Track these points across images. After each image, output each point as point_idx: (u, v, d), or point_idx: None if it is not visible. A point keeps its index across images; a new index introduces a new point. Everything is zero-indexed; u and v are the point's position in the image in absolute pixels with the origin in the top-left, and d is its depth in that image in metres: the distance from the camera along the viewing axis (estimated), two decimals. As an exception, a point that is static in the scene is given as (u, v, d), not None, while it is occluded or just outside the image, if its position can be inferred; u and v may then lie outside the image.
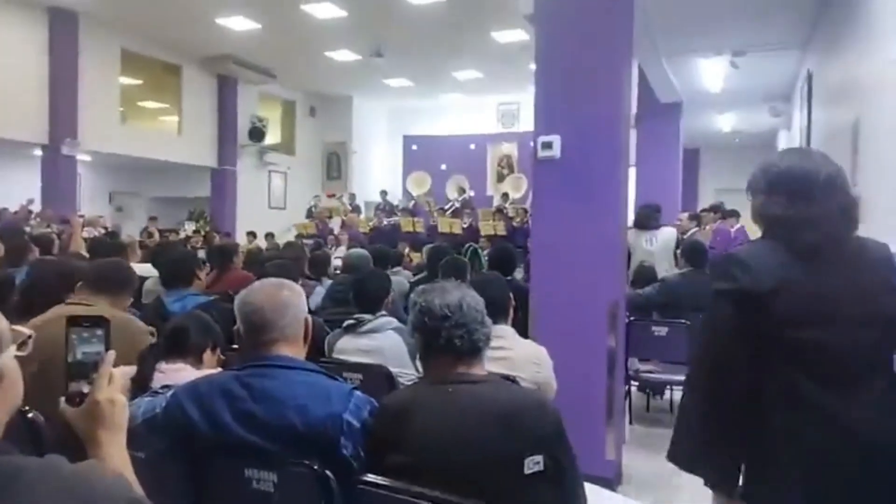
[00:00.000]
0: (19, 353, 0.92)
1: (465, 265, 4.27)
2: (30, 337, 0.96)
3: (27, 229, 8.15)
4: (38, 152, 10.43)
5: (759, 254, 1.46)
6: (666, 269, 5.57)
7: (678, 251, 5.59)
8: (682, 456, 1.51)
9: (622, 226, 3.57)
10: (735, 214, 8.68)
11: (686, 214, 6.99)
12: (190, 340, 2.00)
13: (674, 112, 8.26)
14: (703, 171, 14.69)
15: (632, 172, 5.81)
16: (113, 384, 1.08)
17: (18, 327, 0.95)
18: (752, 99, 8.22)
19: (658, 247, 5.77)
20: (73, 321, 1.10)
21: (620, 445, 3.59)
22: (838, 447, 1.37)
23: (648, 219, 5.78)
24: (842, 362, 1.40)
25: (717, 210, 7.96)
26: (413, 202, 12.22)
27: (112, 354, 1.09)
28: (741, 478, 1.47)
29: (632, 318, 4.34)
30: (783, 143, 9.07)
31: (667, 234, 5.84)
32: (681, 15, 5.13)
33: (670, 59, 6.31)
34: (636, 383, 4.63)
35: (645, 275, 5.06)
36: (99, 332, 1.10)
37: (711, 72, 6.64)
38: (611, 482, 3.10)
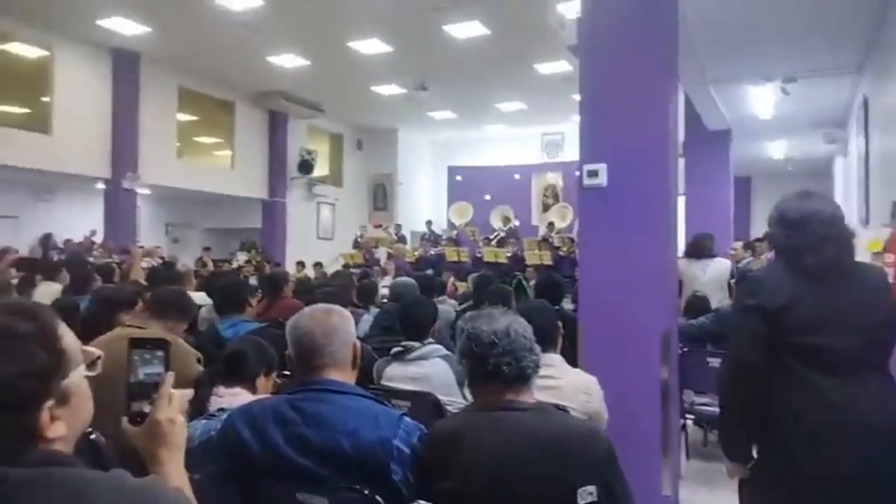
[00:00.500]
0: (89, 374, 0.96)
1: (510, 293, 4.27)
2: (99, 357, 1.00)
3: (90, 259, 8.54)
4: (101, 186, 10.95)
5: (773, 276, 1.92)
6: (719, 299, 5.41)
7: (732, 281, 5.43)
8: (722, 444, 2.03)
9: (672, 254, 3.50)
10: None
11: (741, 244, 6.79)
12: (248, 364, 2.04)
13: (723, 140, 8.10)
14: (755, 200, 14.32)
15: (680, 201, 5.70)
16: (173, 405, 1.11)
17: (88, 348, 0.99)
18: (804, 125, 7.99)
19: (710, 277, 5.61)
20: (136, 343, 1.14)
21: (677, 481, 3.46)
22: (833, 427, 1.76)
23: (702, 248, 5.60)
24: (837, 361, 1.79)
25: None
26: (455, 231, 12.27)
27: (172, 375, 1.12)
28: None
29: (685, 349, 4.22)
30: (840, 170, 8.77)
31: (720, 265, 5.68)
32: (728, 41, 5.07)
33: (718, 86, 6.22)
34: (692, 417, 4.48)
35: (697, 305, 4.92)
36: (160, 353, 1.13)
37: (761, 98, 6.51)
38: (665, 519, 2.99)
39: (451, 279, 8.56)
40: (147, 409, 1.10)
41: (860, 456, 1.74)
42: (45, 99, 9.95)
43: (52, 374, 0.84)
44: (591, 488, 1.39)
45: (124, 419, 1.11)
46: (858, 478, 1.74)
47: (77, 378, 0.91)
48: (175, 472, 1.09)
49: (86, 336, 2.40)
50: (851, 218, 6.28)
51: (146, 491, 0.84)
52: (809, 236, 1.84)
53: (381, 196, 16.31)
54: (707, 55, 5.37)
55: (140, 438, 1.09)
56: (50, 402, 0.84)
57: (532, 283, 6.60)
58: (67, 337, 0.89)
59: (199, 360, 2.38)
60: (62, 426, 0.86)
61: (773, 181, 13.54)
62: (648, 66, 3.44)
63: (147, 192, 12.44)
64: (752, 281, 1.98)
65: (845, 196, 7.64)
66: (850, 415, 1.76)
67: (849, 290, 1.85)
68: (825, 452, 1.76)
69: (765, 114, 7.01)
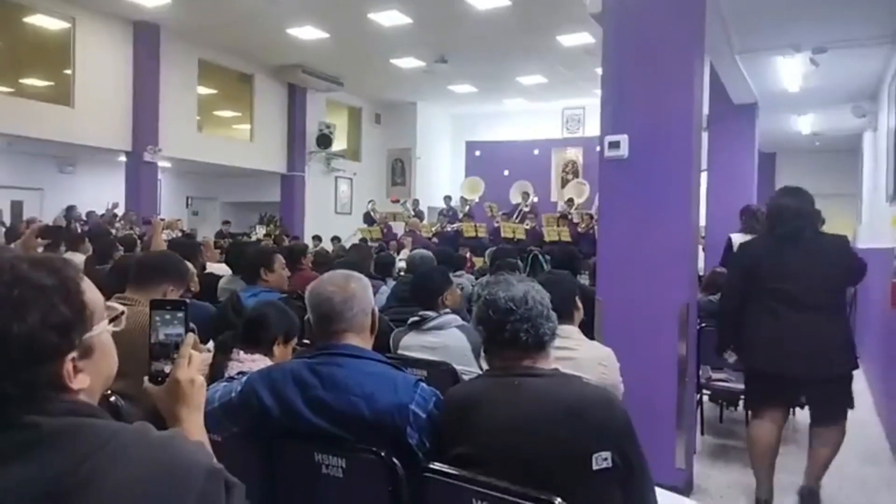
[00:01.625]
0: (113, 329, 0.98)
1: (518, 267, 4.37)
2: (122, 313, 1.01)
3: (112, 231, 8.67)
4: (123, 159, 11.07)
5: (757, 243, 3.18)
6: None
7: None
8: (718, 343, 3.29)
9: (694, 227, 3.46)
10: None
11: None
12: (269, 326, 2.06)
13: (748, 113, 7.89)
14: (780, 176, 14.01)
15: (703, 177, 5.56)
16: (192, 365, 1.13)
17: (111, 303, 1.00)
18: (834, 99, 7.75)
19: None
20: (157, 304, 1.16)
21: (691, 455, 3.46)
22: (788, 335, 2.84)
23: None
24: (797, 300, 2.85)
25: None
26: (468, 207, 12.20)
27: (192, 336, 1.14)
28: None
29: (704, 325, 4.18)
30: (869, 144, 8.53)
31: None
32: (756, 10, 4.91)
33: (745, 57, 6.03)
34: (708, 392, 4.46)
35: (718, 282, 4.86)
36: (180, 314, 1.15)
37: (789, 70, 6.30)
38: (680, 492, 2.99)
39: (469, 254, 8.56)
40: (167, 368, 1.12)
41: (803, 362, 2.81)
42: (67, 72, 10.03)
43: (75, 327, 0.86)
44: (606, 454, 1.39)
45: (145, 378, 1.13)
46: (800, 376, 2.86)
47: (100, 332, 0.92)
48: (195, 430, 1.11)
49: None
50: (879, 195, 6.12)
51: (168, 442, 0.86)
52: (783, 216, 2.99)
53: (399, 171, 16.27)
54: (735, 24, 5.21)
55: (160, 397, 1.11)
56: (73, 354, 0.86)
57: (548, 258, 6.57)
58: (90, 292, 0.90)
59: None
60: (86, 378, 0.88)
61: (800, 157, 13.25)
62: (674, 35, 3.36)
63: (167, 165, 12.55)
64: (740, 248, 3.30)
65: (873, 172, 7.45)
66: (800, 333, 2.82)
67: (807, 251, 2.90)
68: (777, 358, 2.87)
69: (793, 86, 6.79)
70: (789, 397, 3.10)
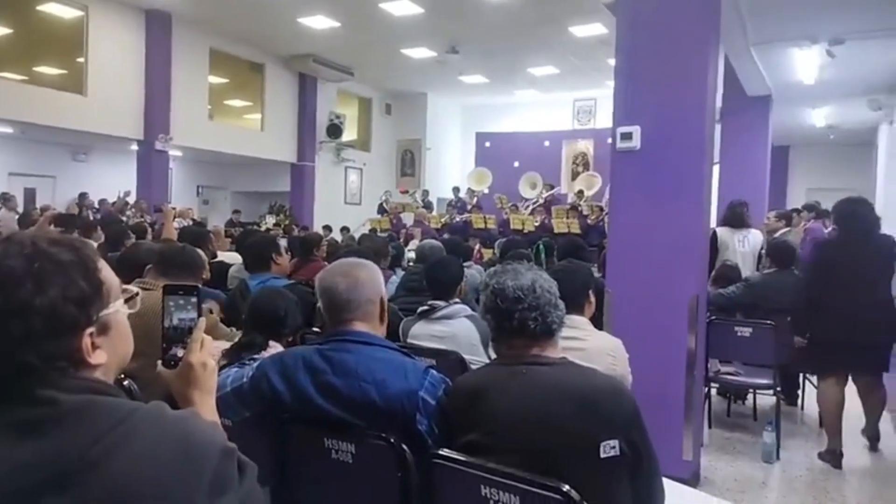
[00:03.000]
0: (128, 310, 0.99)
1: (528, 257, 4.38)
2: (137, 294, 1.02)
3: (123, 219, 8.73)
4: (134, 147, 11.12)
5: (831, 242, 4.20)
6: (751, 270, 5.29)
7: (762, 251, 5.30)
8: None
9: (705, 220, 3.44)
10: (828, 214, 8.20)
11: (774, 214, 6.61)
12: (286, 326, 2.07)
13: (762, 106, 7.82)
14: (792, 170, 13.89)
15: (715, 170, 5.54)
16: (205, 349, 1.14)
17: (126, 286, 1.02)
18: (850, 91, 7.66)
19: (749, 248, 5.45)
20: (170, 289, 1.17)
21: (699, 447, 3.46)
22: (859, 313, 3.58)
23: (742, 217, 5.33)
24: (862, 286, 3.65)
25: (813, 209, 7.53)
26: (476, 198, 12.18)
27: (203, 321, 1.15)
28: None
29: (713, 318, 4.17)
30: (885, 138, 8.42)
31: (757, 236, 5.52)
32: (773, 0, 4.86)
33: (760, 48, 5.96)
34: (716, 386, 4.45)
35: (728, 274, 4.84)
36: (193, 299, 1.16)
37: (805, 62, 6.23)
38: (687, 483, 2.99)
39: (478, 245, 8.55)
40: (181, 353, 1.13)
41: (856, 332, 3.60)
42: (79, 60, 10.07)
43: (92, 302, 0.87)
44: (614, 442, 1.39)
45: (159, 362, 1.14)
46: (852, 343, 3.62)
47: (115, 311, 0.93)
48: (207, 413, 1.12)
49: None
50: (894, 189, 6.06)
51: (182, 421, 0.87)
52: (855, 219, 3.78)
53: (408, 161, 16.26)
54: (750, 14, 5.15)
55: (174, 381, 1.12)
56: (91, 330, 0.87)
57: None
58: (106, 270, 0.92)
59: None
60: (102, 354, 0.89)
61: (813, 150, 13.13)
62: (689, 26, 3.33)
63: (179, 153, 12.60)
64: (819, 248, 4.11)
65: (888, 166, 7.37)
66: (863, 312, 3.61)
67: (866, 247, 3.70)
68: (839, 328, 3.64)
69: (808, 78, 6.73)
70: (849, 360, 3.78)
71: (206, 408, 1.13)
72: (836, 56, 5.81)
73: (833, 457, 3.71)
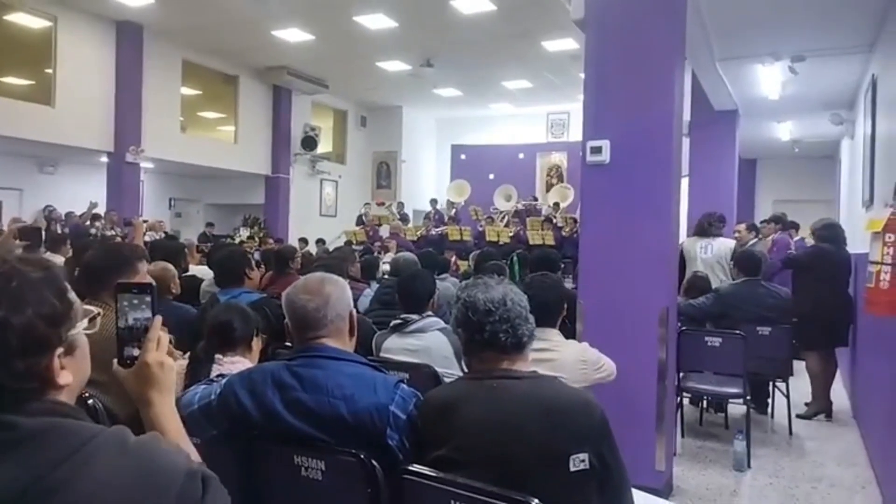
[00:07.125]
0: (88, 330, 0.97)
1: (504, 268, 4.42)
2: (98, 314, 1.01)
3: (92, 231, 8.57)
4: (104, 159, 10.93)
5: (834, 251, 5.02)
6: (721, 279, 5.41)
7: (731, 262, 5.43)
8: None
9: (673, 232, 3.50)
10: (795, 226, 8.40)
11: (744, 226, 6.78)
12: (236, 331, 2.07)
13: (729, 120, 8.00)
14: (760, 182, 14.21)
15: (684, 183, 5.70)
16: (161, 348, 1.12)
17: (87, 305, 1.00)
18: (812, 106, 7.89)
19: (712, 256, 5.62)
20: (123, 288, 1.14)
21: (671, 457, 3.50)
22: (836, 299, 4.97)
23: (708, 227, 5.69)
24: (835, 279, 4.97)
25: (779, 221, 7.73)
26: (454, 210, 12.23)
27: (159, 319, 1.13)
28: None
29: (683, 329, 4.23)
30: (846, 152, 8.67)
31: (723, 245, 5.68)
32: (736, 18, 4.98)
33: (725, 64, 6.12)
34: (688, 395, 4.51)
35: (698, 285, 4.93)
36: (147, 298, 1.13)
37: (769, 78, 6.40)
38: (660, 493, 3.02)
39: (454, 257, 8.56)
40: (136, 353, 1.11)
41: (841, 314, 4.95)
42: (48, 71, 9.89)
43: (63, 321, 0.87)
44: (583, 455, 1.40)
45: (114, 362, 1.12)
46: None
47: (80, 331, 0.92)
48: (167, 413, 1.11)
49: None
50: (855, 201, 6.23)
51: (145, 447, 0.86)
52: (840, 236, 5.07)
53: (384, 174, 16.26)
54: (715, 31, 5.29)
55: (130, 381, 1.11)
56: (60, 350, 0.86)
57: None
58: (71, 290, 0.91)
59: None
60: (69, 375, 0.88)
61: (780, 163, 13.43)
62: (655, 41, 3.40)
63: (150, 166, 12.41)
64: (821, 257, 5.01)
65: (850, 179, 7.59)
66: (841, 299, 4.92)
67: (836, 254, 4.99)
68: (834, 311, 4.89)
69: (773, 94, 6.90)
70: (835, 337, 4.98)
71: (166, 406, 1.11)
72: (799, 73, 5.98)
73: (826, 411, 4.97)
